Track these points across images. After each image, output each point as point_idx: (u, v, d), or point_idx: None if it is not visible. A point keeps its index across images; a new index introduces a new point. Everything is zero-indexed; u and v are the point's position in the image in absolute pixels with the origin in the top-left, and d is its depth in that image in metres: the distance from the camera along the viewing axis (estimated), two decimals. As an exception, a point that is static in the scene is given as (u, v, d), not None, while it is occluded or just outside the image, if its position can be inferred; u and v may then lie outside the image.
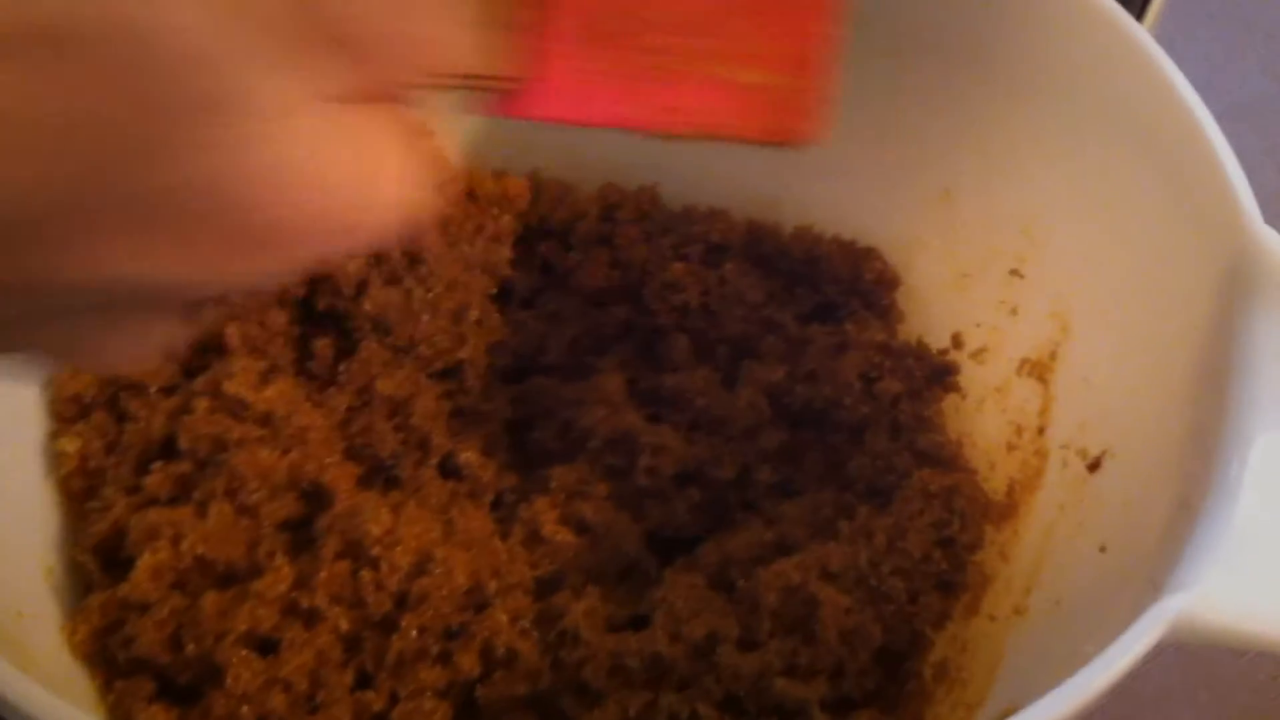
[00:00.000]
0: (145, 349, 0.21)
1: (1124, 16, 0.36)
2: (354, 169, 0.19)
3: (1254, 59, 0.59)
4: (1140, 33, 0.35)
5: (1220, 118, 0.57)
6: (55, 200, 0.17)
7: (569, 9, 0.23)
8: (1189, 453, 0.30)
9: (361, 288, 0.39)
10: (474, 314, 0.40)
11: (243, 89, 0.17)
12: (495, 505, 0.38)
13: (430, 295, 0.39)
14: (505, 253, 0.41)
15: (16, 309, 0.19)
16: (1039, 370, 0.38)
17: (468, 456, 0.38)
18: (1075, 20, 0.36)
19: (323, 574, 0.33)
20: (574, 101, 0.24)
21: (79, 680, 0.33)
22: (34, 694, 0.25)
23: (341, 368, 0.38)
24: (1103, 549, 0.33)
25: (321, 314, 0.39)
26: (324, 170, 0.18)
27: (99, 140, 0.17)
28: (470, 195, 0.42)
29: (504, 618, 0.34)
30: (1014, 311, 0.39)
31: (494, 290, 0.41)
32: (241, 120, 0.17)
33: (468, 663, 0.34)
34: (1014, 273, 0.39)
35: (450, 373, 0.40)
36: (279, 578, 0.33)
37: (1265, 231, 0.31)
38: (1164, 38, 0.58)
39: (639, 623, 0.35)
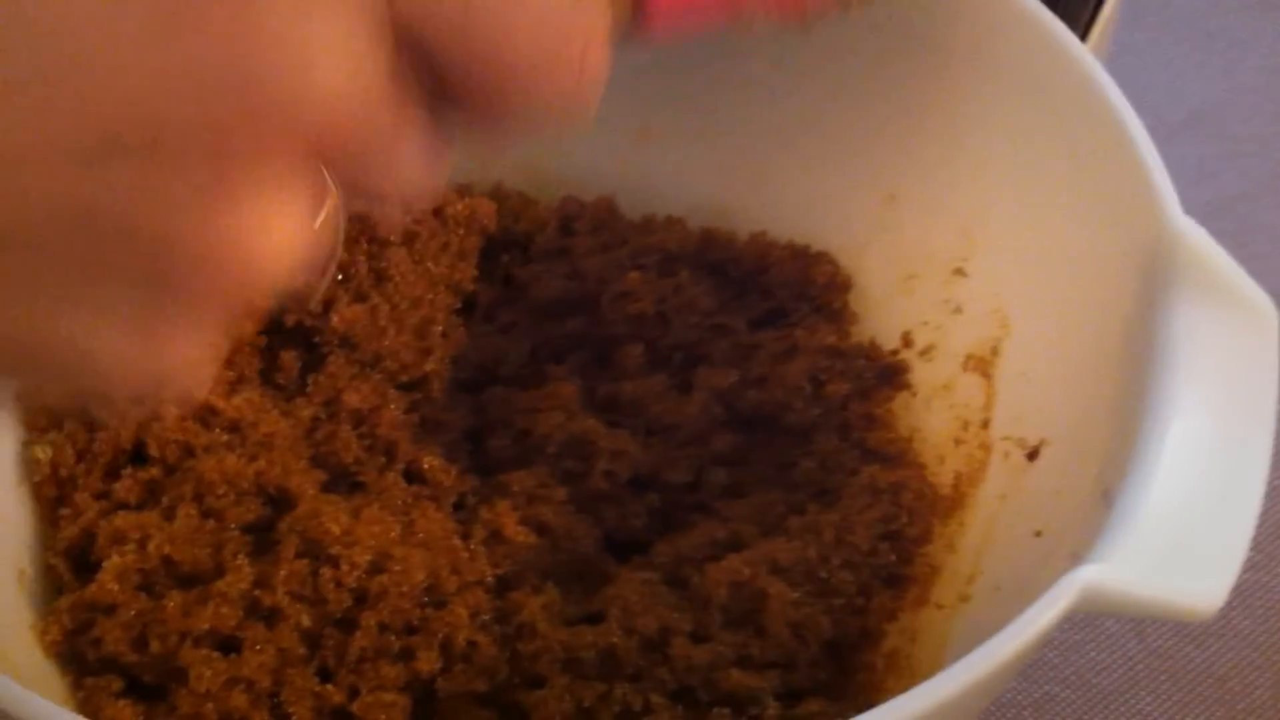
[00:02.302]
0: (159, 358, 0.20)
1: (1053, 21, 0.37)
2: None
3: (1216, 65, 0.60)
4: (1069, 37, 0.37)
5: (1182, 123, 0.59)
6: None
7: None
8: (1113, 437, 0.31)
9: (329, 304, 0.40)
10: (438, 328, 0.42)
11: None
12: (458, 508, 0.39)
13: (396, 311, 0.40)
14: (470, 270, 0.43)
15: None
16: (982, 366, 0.39)
17: (430, 462, 0.39)
18: (1009, 30, 0.38)
19: (282, 572, 0.34)
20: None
21: (50, 678, 0.34)
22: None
23: (309, 380, 0.39)
24: (1038, 534, 0.34)
25: (289, 329, 0.40)
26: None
27: None
28: (437, 213, 0.43)
29: (463, 613, 0.35)
30: (958, 310, 0.40)
31: (458, 305, 0.43)
32: None
33: (427, 657, 0.35)
34: (957, 272, 0.40)
35: (415, 384, 0.41)
36: (240, 577, 0.34)
37: (1183, 222, 0.32)
38: (1128, 46, 0.60)
39: (595, 619, 0.36)
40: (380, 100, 0.20)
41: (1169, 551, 0.28)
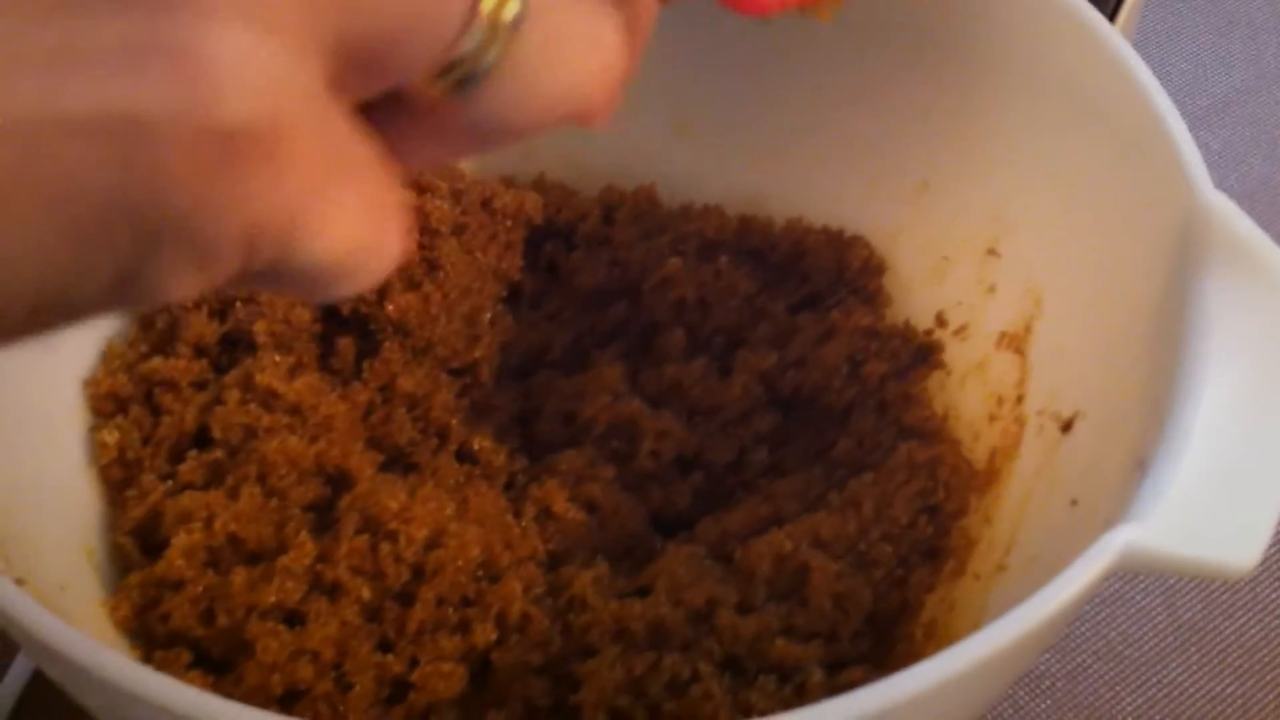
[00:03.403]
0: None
1: (1082, 5, 0.38)
2: None
3: (1239, 53, 0.61)
4: (1100, 21, 0.37)
5: (1207, 110, 0.59)
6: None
7: None
8: (1147, 406, 0.32)
9: (383, 292, 0.41)
10: (487, 316, 0.43)
11: None
12: (508, 487, 0.41)
13: (447, 300, 0.42)
14: (516, 260, 0.44)
15: None
16: (1016, 343, 0.40)
17: (481, 443, 0.41)
18: (1040, 15, 0.39)
19: (344, 548, 0.35)
20: None
21: (121, 652, 0.35)
22: (80, 640, 0.27)
23: (365, 365, 0.41)
24: (1074, 503, 0.35)
25: (345, 317, 0.41)
26: None
27: None
28: (485, 205, 0.44)
29: (517, 587, 0.37)
30: (991, 289, 0.41)
31: (505, 294, 0.44)
32: None
33: (483, 630, 0.36)
34: (990, 252, 0.41)
35: (465, 370, 0.43)
36: (303, 553, 0.35)
37: (1213, 196, 0.33)
38: (1151, 35, 0.61)
39: (644, 592, 0.38)
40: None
41: (1203, 512, 0.29)
